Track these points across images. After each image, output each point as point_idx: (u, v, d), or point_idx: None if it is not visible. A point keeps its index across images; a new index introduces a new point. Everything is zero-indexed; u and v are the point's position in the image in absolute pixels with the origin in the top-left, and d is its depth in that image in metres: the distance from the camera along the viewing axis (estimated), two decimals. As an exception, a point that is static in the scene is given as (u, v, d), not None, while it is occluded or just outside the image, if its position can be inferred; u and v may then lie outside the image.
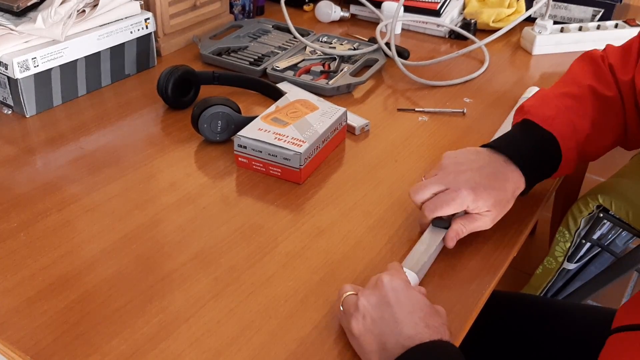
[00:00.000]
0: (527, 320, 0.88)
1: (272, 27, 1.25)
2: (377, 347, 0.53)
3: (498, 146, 0.72)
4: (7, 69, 0.90)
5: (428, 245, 0.68)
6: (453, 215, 0.69)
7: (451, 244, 0.68)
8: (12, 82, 0.91)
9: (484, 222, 0.68)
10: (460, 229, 0.68)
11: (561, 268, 1.48)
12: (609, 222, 1.39)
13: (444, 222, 0.69)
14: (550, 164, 0.72)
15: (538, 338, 0.85)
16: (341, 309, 0.58)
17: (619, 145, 0.79)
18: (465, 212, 0.69)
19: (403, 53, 1.14)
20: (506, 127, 0.90)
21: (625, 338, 0.59)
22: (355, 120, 0.93)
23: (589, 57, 0.80)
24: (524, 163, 0.70)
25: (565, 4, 1.35)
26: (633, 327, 0.57)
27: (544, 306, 0.94)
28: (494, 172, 0.69)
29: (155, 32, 1.10)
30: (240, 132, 0.82)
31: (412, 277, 0.63)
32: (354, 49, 1.15)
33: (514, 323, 0.86)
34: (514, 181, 0.69)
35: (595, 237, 1.42)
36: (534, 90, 1.04)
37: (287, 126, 0.83)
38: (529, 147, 0.72)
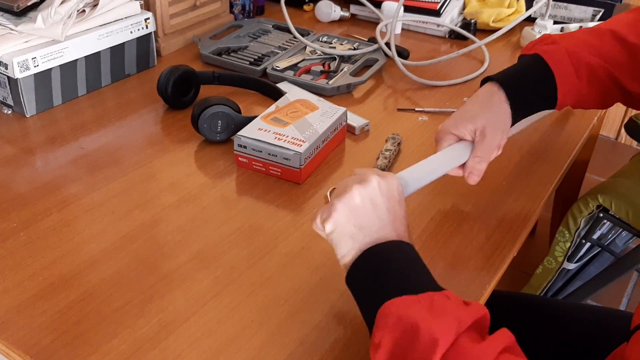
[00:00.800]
0: (526, 320, 0.88)
1: (272, 27, 1.25)
2: (350, 233, 0.56)
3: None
4: (7, 69, 0.90)
5: (433, 168, 0.69)
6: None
7: (472, 182, 0.70)
8: (12, 82, 0.91)
9: (490, 137, 0.69)
10: (476, 160, 0.70)
11: (561, 268, 1.48)
12: (609, 222, 1.39)
13: None
14: (536, 77, 0.73)
15: (538, 338, 0.85)
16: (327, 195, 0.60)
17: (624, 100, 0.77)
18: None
19: (403, 53, 1.14)
20: None
21: None
22: (355, 120, 0.93)
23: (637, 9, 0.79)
24: (503, 79, 0.72)
25: (565, 4, 1.35)
26: None
27: (543, 306, 0.94)
28: (472, 98, 0.73)
29: (155, 32, 1.10)
30: (240, 132, 0.82)
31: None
32: (354, 49, 1.15)
33: (513, 323, 0.86)
34: (489, 90, 0.71)
35: (595, 237, 1.43)
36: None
37: (287, 126, 0.83)
38: (514, 68, 0.74)
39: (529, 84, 0.72)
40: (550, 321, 0.87)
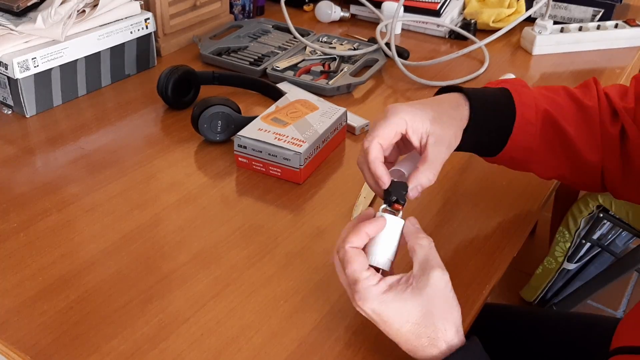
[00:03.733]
0: (517, 332, 0.87)
1: (272, 27, 1.25)
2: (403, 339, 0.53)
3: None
4: (7, 69, 0.90)
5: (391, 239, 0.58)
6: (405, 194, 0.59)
7: (413, 194, 0.59)
8: (12, 82, 0.91)
9: (440, 150, 0.60)
10: (423, 176, 0.59)
11: (561, 268, 1.48)
12: (609, 222, 1.39)
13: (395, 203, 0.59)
14: (500, 100, 0.66)
15: (531, 349, 0.85)
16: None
17: (590, 187, 0.71)
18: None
19: (403, 53, 1.14)
20: None
21: None
22: (355, 120, 0.93)
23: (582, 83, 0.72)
24: (467, 89, 0.65)
25: (565, 4, 1.35)
26: (633, 349, 0.57)
27: (535, 317, 0.94)
28: (431, 98, 0.65)
29: (155, 32, 1.10)
30: (240, 132, 0.82)
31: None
32: (354, 49, 1.15)
33: (505, 336, 0.86)
34: (454, 99, 0.64)
35: (595, 237, 1.43)
36: (509, 76, 1.04)
37: (287, 126, 0.83)
38: (488, 90, 0.66)
39: (492, 118, 0.65)
40: (543, 332, 0.87)
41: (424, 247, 0.55)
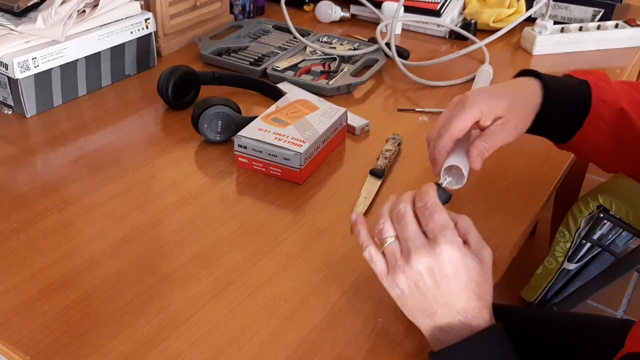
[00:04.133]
0: (519, 332, 0.87)
1: (272, 27, 1.25)
2: (423, 309, 0.54)
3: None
4: (7, 69, 0.90)
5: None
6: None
7: (478, 165, 0.63)
8: (13, 82, 0.91)
9: (506, 132, 0.64)
10: (482, 145, 0.63)
11: (561, 268, 1.48)
12: (609, 222, 1.39)
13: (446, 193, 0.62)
14: (577, 93, 0.68)
15: (531, 350, 0.84)
16: (374, 254, 0.56)
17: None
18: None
19: (403, 53, 1.14)
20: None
21: None
22: (355, 120, 0.93)
23: None
24: (545, 77, 0.67)
25: (566, 4, 1.35)
26: None
27: (535, 317, 0.93)
28: (509, 83, 0.68)
29: (156, 32, 1.10)
30: (241, 132, 0.82)
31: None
32: (354, 49, 1.15)
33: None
34: (531, 87, 0.66)
35: (595, 237, 1.43)
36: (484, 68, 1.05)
37: (287, 126, 0.83)
38: (567, 80, 0.69)
39: (565, 110, 0.68)
40: (540, 333, 0.87)
41: (471, 224, 0.58)
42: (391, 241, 0.55)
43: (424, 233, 0.55)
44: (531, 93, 0.66)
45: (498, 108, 0.64)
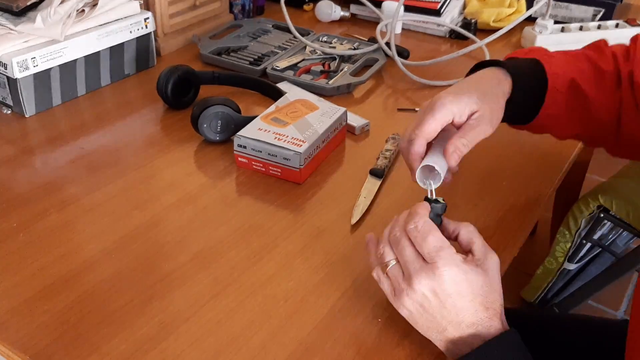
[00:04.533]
0: (519, 332, 0.87)
1: (272, 26, 1.25)
2: (434, 327, 0.55)
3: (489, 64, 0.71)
4: (6, 69, 0.89)
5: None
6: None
7: (454, 162, 0.63)
8: (12, 82, 0.91)
9: (483, 125, 0.63)
10: (459, 141, 0.62)
11: (562, 268, 1.48)
12: (609, 223, 1.39)
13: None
14: (534, 73, 0.70)
15: (531, 350, 0.84)
16: (381, 276, 0.57)
17: (605, 145, 0.75)
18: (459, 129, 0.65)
19: (403, 53, 1.14)
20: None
21: None
22: (355, 120, 0.93)
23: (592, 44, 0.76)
24: (506, 64, 0.69)
25: (566, 4, 1.35)
26: None
27: (535, 318, 0.93)
28: (473, 77, 0.69)
29: (155, 32, 1.10)
30: (240, 132, 0.82)
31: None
32: (354, 49, 1.14)
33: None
34: (496, 76, 0.68)
35: (595, 237, 1.42)
36: None
37: (287, 126, 0.82)
38: (520, 62, 0.71)
39: (528, 90, 0.69)
40: (540, 334, 0.87)
41: (475, 231, 0.58)
42: (393, 265, 0.56)
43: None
44: (497, 82, 0.68)
45: (469, 104, 0.63)
